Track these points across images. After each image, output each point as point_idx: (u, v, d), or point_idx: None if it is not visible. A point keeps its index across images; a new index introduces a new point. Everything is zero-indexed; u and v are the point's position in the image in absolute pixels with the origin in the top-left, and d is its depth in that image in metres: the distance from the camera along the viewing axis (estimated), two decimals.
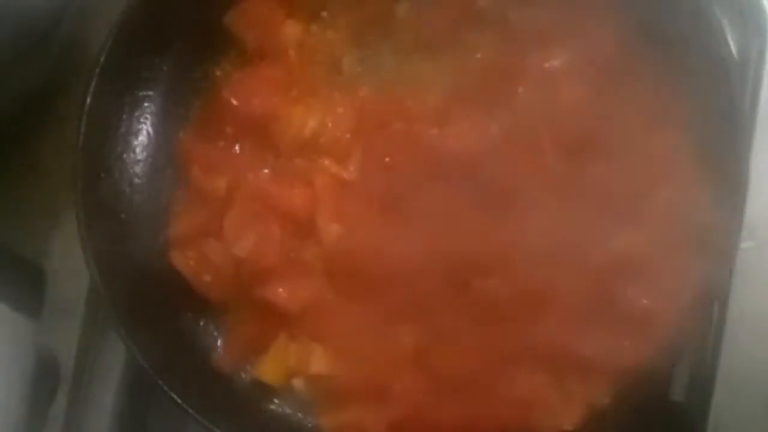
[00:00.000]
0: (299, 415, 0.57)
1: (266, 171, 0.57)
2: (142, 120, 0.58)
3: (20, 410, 0.58)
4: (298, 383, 0.56)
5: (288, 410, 0.57)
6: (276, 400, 0.57)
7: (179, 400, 0.53)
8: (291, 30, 0.58)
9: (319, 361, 0.56)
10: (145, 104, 0.58)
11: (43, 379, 0.58)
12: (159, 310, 0.56)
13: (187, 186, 0.58)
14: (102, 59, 0.55)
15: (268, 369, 0.57)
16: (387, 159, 0.56)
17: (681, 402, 0.56)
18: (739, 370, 0.53)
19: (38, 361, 0.58)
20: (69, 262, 0.58)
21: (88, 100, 0.55)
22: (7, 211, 0.60)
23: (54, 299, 0.59)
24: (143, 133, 0.58)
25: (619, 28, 0.54)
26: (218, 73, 0.59)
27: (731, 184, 0.51)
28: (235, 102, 0.57)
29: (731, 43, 0.52)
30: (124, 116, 0.57)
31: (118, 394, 0.59)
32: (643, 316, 0.52)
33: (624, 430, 0.53)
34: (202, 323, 0.58)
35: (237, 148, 0.58)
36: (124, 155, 0.58)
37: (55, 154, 0.60)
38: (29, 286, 0.59)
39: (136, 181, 0.58)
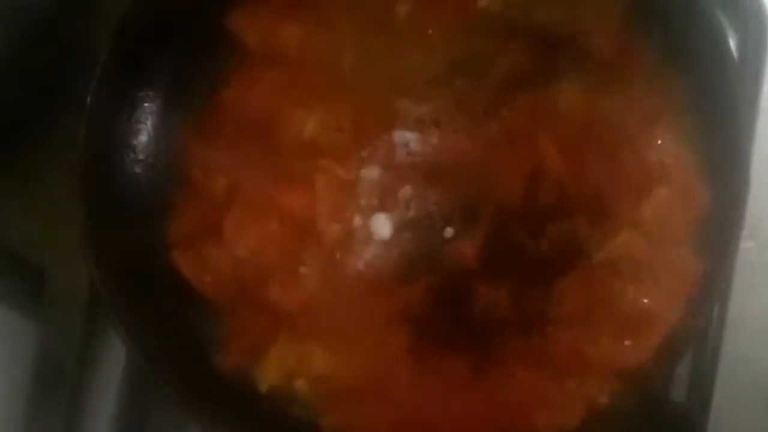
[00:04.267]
0: (300, 415, 0.57)
1: (266, 172, 0.57)
2: (142, 120, 0.58)
3: (20, 410, 0.58)
4: (299, 383, 0.56)
5: (289, 410, 0.57)
6: (277, 401, 0.57)
7: (179, 401, 0.53)
8: (291, 31, 0.58)
9: (319, 362, 0.55)
10: (146, 104, 0.58)
11: (43, 379, 0.58)
12: (159, 311, 0.56)
13: (187, 186, 0.58)
14: (103, 59, 0.55)
15: (269, 369, 0.56)
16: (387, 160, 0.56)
17: (681, 402, 0.56)
18: (739, 370, 0.54)
19: (38, 361, 0.58)
20: (69, 262, 0.58)
21: (89, 100, 0.55)
22: (7, 211, 0.60)
23: (54, 299, 0.59)
24: (143, 133, 0.58)
25: (618, 28, 0.54)
26: (219, 73, 0.59)
27: (732, 183, 0.51)
28: (235, 103, 0.57)
29: (731, 42, 0.52)
30: (125, 116, 0.57)
31: (118, 394, 0.59)
32: (643, 316, 0.52)
33: (624, 430, 0.53)
34: (202, 323, 0.58)
35: (237, 148, 0.58)
36: (125, 155, 0.58)
37: (56, 154, 0.60)
38: (29, 286, 0.59)
39: (137, 181, 0.58)
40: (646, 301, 0.52)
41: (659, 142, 0.53)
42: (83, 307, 0.58)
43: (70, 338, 0.58)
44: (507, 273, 0.54)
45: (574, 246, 0.53)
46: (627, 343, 0.52)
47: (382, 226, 0.56)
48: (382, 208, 0.56)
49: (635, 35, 0.53)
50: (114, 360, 0.59)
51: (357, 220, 0.56)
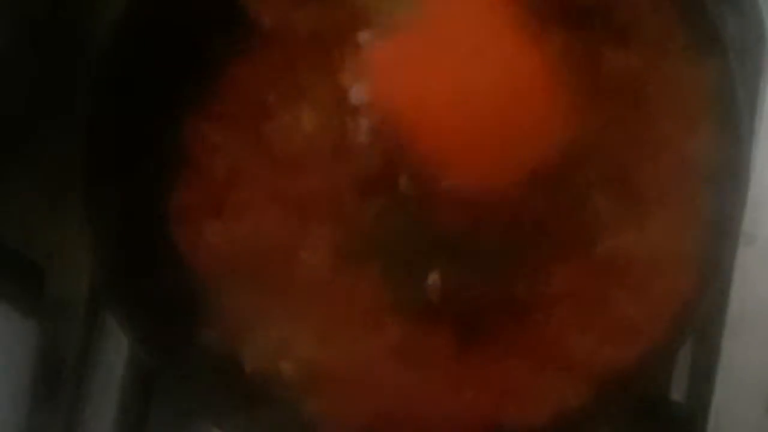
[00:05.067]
0: (283, 397, 0.56)
1: (271, 153, 0.56)
2: (147, 96, 0.57)
3: (20, 410, 0.58)
4: (284, 365, 0.56)
5: (273, 392, 0.56)
6: (261, 382, 0.56)
7: (170, 380, 0.54)
8: (306, 12, 0.57)
9: (305, 345, 0.55)
10: (152, 80, 0.57)
11: (43, 379, 0.58)
12: (153, 284, 0.56)
13: (189, 162, 0.57)
14: (107, 41, 0.55)
15: (255, 349, 0.56)
16: None
17: (681, 402, 0.56)
18: (739, 370, 0.54)
19: (38, 361, 0.58)
20: (69, 262, 0.58)
21: (93, 75, 0.55)
22: (7, 210, 0.60)
23: (54, 299, 0.59)
24: (148, 110, 0.58)
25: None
26: (230, 52, 0.57)
27: (732, 183, 0.51)
28: (243, 82, 0.57)
29: (731, 42, 0.52)
30: (130, 92, 0.57)
31: (118, 394, 0.59)
32: (627, 326, 0.52)
33: (623, 429, 0.54)
34: (195, 299, 0.57)
35: (243, 128, 0.57)
36: (128, 132, 0.57)
37: (56, 153, 0.60)
38: (29, 286, 0.59)
39: (139, 158, 0.57)
40: (633, 311, 0.52)
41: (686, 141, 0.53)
42: (83, 307, 0.58)
43: (70, 338, 0.58)
44: (507, 244, 0.54)
45: (581, 225, 0.53)
46: (609, 348, 0.52)
47: None
48: None
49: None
50: (114, 360, 0.59)
51: None
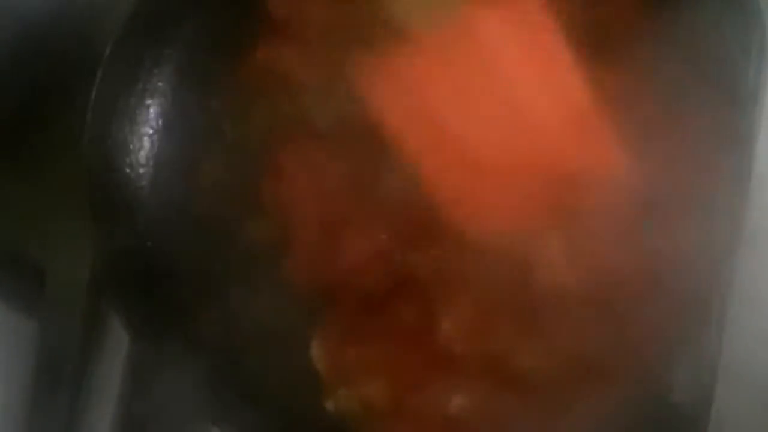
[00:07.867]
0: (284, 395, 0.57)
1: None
2: (152, 92, 0.58)
3: (20, 410, 0.58)
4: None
5: (273, 391, 0.57)
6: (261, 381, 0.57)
7: (175, 387, 0.54)
8: (318, 7, 0.56)
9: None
10: (160, 72, 0.58)
11: (44, 378, 0.58)
12: (155, 285, 0.57)
13: None
14: (119, 29, 0.55)
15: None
16: None
17: (681, 402, 0.56)
18: (739, 370, 0.54)
19: (38, 361, 0.58)
20: (69, 262, 0.58)
21: (108, 51, 0.55)
22: (7, 211, 0.60)
23: (54, 299, 0.59)
24: (160, 94, 0.58)
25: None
26: (240, 44, 0.57)
27: (733, 186, 0.51)
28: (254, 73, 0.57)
29: (732, 43, 0.52)
30: (139, 84, 0.57)
31: (118, 393, 0.59)
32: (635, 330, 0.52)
33: (623, 429, 0.54)
34: (197, 299, 0.57)
35: None
36: (137, 117, 0.58)
37: (57, 153, 0.60)
38: (29, 286, 0.59)
39: (149, 133, 0.58)
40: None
41: None
42: (83, 307, 0.59)
43: (70, 338, 0.58)
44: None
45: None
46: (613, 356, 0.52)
47: None
48: None
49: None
50: (114, 359, 0.59)
51: None
